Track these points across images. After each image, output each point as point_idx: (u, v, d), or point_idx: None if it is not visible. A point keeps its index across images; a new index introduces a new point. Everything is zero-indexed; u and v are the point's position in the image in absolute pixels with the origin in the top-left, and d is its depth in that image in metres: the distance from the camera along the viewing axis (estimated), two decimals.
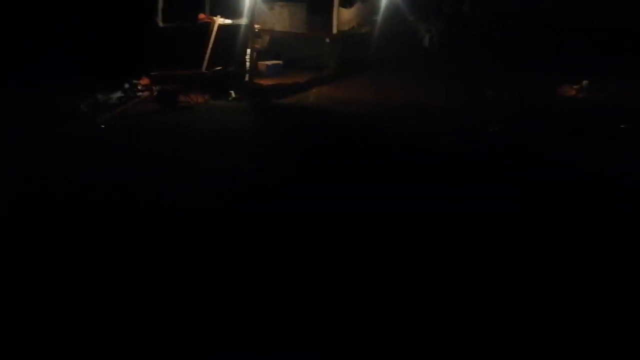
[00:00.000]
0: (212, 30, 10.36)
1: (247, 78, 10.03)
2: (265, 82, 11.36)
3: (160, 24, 11.98)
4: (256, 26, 9.91)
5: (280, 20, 13.59)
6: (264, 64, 12.50)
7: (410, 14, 14.96)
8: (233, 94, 9.87)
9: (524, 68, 11.28)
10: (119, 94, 10.08)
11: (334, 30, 11.95)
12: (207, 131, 7.57)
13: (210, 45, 10.28)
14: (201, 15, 11.13)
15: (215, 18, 10.51)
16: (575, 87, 9.89)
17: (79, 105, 9.07)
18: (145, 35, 12.06)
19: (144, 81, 10.04)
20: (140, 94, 10.01)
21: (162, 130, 7.60)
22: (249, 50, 9.92)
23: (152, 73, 9.12)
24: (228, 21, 10.83)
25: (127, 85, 10.31)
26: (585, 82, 9.96)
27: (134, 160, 6.15)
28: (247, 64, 9.95)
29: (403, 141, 7.09)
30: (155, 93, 9.45)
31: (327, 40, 12.26)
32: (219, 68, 9.95)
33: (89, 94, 9.80)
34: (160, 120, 8.25)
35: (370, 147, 6.68)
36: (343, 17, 14.89)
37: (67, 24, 12.17)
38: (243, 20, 10.41)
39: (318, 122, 8.11)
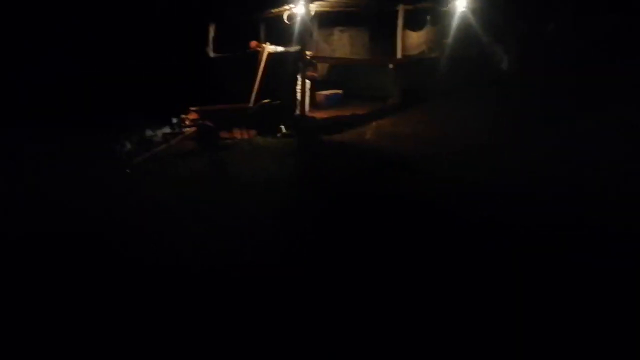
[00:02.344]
0: (261, 60, 9.43)
1: (298, 111, 8.90)
2: (321, 114, 10.23)
3: (211, 54, 11.34)
4: (308, 53, 8.81)
5: (340, 46, 12.55)
6: (322, 94, 11.44)
7: (485, 36, 13.32)
8: (283, 129, 8.83)
9: (626, 97, 8.96)
10: (166, 129, 9.42)
11: (398, 56, 10.64)
12: (231, 180, 6.42)
13: (259, 76, 9.34)
14: (253, 43, 10.26)
15: (264, 45, 9.57)
16: None
17: (119, 144, 8.48)
18: (196, 67, 11.48)
19: (192, 116, 9.25)
20: (186, 129, 9.25)
21: (184, 177, 6.53)
22: (300, 80, 8.81)
23: (192, 108, 8.21)
24: (279, 49, 9.89)
25: (174, 120, 9.64)
26: None
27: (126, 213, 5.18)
28: (298, 95, 8.83)
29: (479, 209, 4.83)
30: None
31: (390, 66, 10.96)
32: (266, 101, 8.96)
33: (134, 131, 9.32)
34: (191, 163, 7.28)
35: (433, 219, 4.65)
36: (411, 41, 13.62)
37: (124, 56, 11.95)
38: (293, 48, 9.38)
39: (368, 169, 6.50)
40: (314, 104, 11.32)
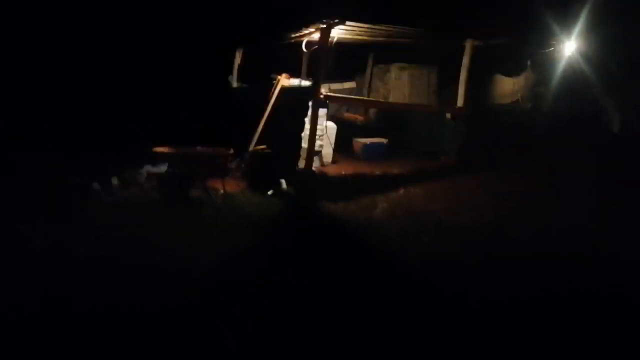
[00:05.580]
0: (272, 94, 7.49)
1: (303, 164, 6.77)
2: (341, 168, 8.08)
3: (234, 84, 9.68)
4: (323, 91, 6.68)
5: (398, 86, 10.25)
6: (361, 142, 9.24)
7: (595, 89, 10.31)
8: (283, 185, 6.73)
9: None
10: (163, 167, 7.77)
11: (459, 103, 8.13)
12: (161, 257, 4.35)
13: (265, 115, 7.39)
14: (280, 75, 8.28)
15: (280, 77, 7.62)
16: None
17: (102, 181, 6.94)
18: (218, 97, 9.86)
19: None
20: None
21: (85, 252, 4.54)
22: (309, 124, 6.69)
23: (159, 148, 6.35)
24: (304, 83, 7.90)
25: None
26: None
27: None
28: (304, 143, 6.72)
29: None
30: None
31: (448, 116, 8.46)
32: (261, 147, 6.95)
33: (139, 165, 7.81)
34: (132, 222, 5.36)
35: None
36: (504, 88, 11.29)
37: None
38: (309, 82, 7.33)
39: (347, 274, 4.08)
40: (353, 153, 9.21)
